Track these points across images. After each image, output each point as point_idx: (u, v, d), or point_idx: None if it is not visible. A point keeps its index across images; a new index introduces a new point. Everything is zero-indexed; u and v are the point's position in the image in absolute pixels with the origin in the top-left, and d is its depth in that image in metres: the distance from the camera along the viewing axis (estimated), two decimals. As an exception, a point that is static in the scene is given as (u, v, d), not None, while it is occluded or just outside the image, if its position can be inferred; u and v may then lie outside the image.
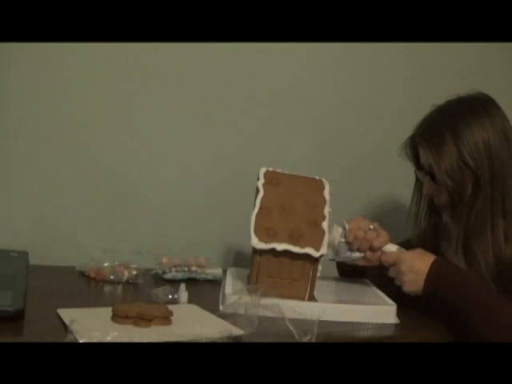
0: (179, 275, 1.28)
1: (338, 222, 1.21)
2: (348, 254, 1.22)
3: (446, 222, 1.20)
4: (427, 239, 1.26)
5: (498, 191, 1.15)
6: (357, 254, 1.21)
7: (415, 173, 1.27)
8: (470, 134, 1.15)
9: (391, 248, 1.19)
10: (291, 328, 0.93)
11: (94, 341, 0.80)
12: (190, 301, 1.10)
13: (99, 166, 1.36)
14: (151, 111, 1.40)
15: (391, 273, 1.16)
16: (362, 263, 1.24)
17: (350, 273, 1.32)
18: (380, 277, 1.22)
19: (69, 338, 0.81)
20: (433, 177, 1.18)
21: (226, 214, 1.47)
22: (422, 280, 1.11)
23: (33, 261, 1.21)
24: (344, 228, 1.20)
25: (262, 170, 1.19)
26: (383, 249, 1.19)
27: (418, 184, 1.29)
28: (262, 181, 1.17)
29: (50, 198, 1.32)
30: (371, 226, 1.19)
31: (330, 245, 1.19)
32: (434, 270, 1.10)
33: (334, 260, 1.28)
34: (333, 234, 1.20)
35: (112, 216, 1.38)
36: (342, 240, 1.21)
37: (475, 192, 1.14)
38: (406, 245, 1.24)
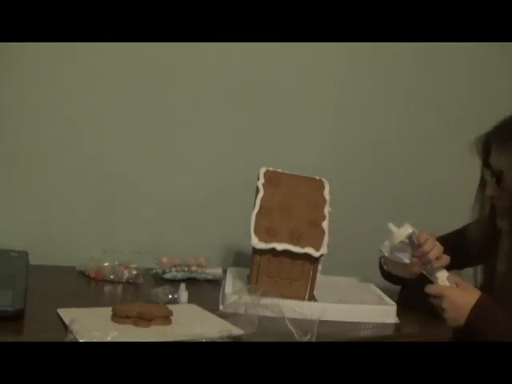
0: (179, 275, 1.29)
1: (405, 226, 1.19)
2: (401, 255, 1.18)
3: (502, 226, 1.20)
4: (486, 236, 1.25)
5: None
6: (407, 260, 1.18)
7: (481, 170, 1.25)
8: None
9: (442, 276, 1.16)
10: (291, 328, 0.93)
11: (94, 340, 0.80)
12: (190, 301, 1.10)
13: (99, 166, 1.36)
14: (151, 111, 1.40)
15: (432, 302, 1.14)
16: (402, 272, 1.23)
17: (392, 279, 1.32)
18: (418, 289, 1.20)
19: (69, 338, 0.81)
20: (498, 180, 1.17)
21: (226, 213, 1.47)
22: (463, 318, 1.09)
23: (33, 261, 1.21)
24: (413, 231, 1.17)
25: (262, 170, 1.20)
26: (436, 274, 1.17)
27: (483, 181, 1.26)
28: (261, 181, 1.17)
29: (50, 198, 1.32)
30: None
31: (391, 240, 1.18)
32: (474, 311, 1.09)
33: (382, 255, 1.25)
34: (400, 231, 1.17)
35: (112, 216, 1.38)
36: (406, 241, 1.17)
37: None
38: (459, 236, 1.28)
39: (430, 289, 1.14)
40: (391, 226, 1.18)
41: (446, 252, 1.19)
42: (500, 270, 1.23)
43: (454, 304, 1.10)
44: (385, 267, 1.31)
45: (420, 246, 1.17)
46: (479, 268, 1.30)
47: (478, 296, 1.11)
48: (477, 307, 1.09)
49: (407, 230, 1.17)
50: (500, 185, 1.17)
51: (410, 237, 1.17)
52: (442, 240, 1.25)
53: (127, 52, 1.34)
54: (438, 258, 1.17)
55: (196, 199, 1.46)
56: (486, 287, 1.22)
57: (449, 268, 1.20)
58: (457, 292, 1.12)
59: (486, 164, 1.23)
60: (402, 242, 1.17)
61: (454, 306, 1.10)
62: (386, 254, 1.21)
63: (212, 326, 0.93)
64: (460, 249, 1.26)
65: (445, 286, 1.14)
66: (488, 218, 1.25)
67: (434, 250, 1.17)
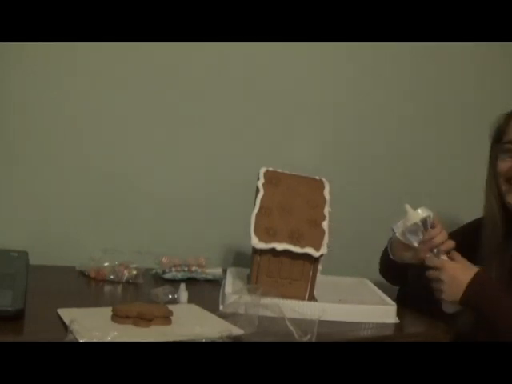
0: (179, 275, 1.29)
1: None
2: (412, 238, 1.17)
3: None
4: (497, 219, 1.26)
5: None
6: (416, 244, 1.17)
7: (493, 147, 1.27)
8: None
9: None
10: (291, 328, 0.93)
11: (94, 340, 0.80)
12: (190, 301, 1.10)
13: (99, 166, 1.36)
14: (151, 112, 1.40)
15: (431, 274, 1.16)
16: (407, 256, 1.23)
17: (393, 272, 1.33)
18: (420, 280, 1.21)
19: (69, 338, 0.81)
20: None
21: (226, 213, 1.47)
22: (460, 292, 1.11)
23: (33, 261, 1.21)
24: (429, 215, 1.16)
25: (262, 170, 1.20)
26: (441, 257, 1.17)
27: (493, 161, 1.28)
28: (261, 181, 1.17)
29: (50, 198, 1.32)
30: None
31: (404, 221, 1.17)
32: (472, 285, 1.11)
33: (392, 235, 1.24)
34: (415, 213, 1.16)
35: (112, 216, 1.38)
36: (419, 223, 1.16)
37: None
38: (476, 224, 1.29)
39: (430, 260, 1.15)
40: (407, 207, 1.17)
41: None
42: None
43: (453, 277, 1.12)
44: (389, 253, 1.30)
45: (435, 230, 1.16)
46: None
47: (477, 271, 1.11)
48: (473, 283, 1.10)
49: (423, 212, 1.16)
50: None
51: (424, 220, 1.15)
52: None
53: (127, 52, 1.34)
54: (443, 243, 1.17)
55: (196, 199, 1.46)
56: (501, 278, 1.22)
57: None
58: (457, 266, 1.14)
59: (500, 140, 1.24)
60: (415, 224, 1.16)
61: (453, 280, 1.11)
62: (397, 235, 1.20)
63: (212, 326, 0.93)
64: (467, 247, 1.25)
65: (446, 260, 1.15)
66: (498, 196, 1.25)
67: (441, 234, 1.17)
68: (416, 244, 1.17)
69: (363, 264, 1.46)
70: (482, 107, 1.48)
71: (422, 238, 1.16)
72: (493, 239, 1.22)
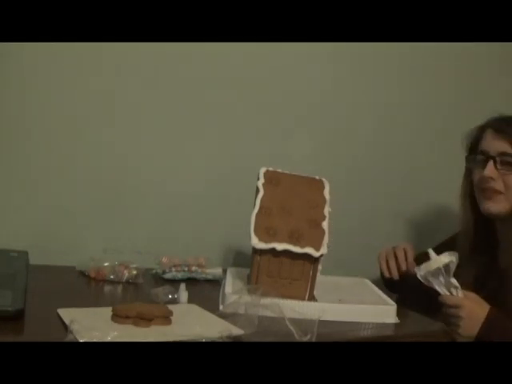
0: (179, 275, 1.29)
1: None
2: (434, 281, 1.17)
3: (498, 210, 1.26)
4: (469, 231, 1.32)
5: None
6: (437, 287, 1.17)
7: (468, 159, 1.33)
8: None
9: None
10: (291, 328, 0.93)
11: (94, 340, 0.80)
12: (190, 301, 1.10)
13: (99, 166, 1.36)
14: (151, 111, 1.40)
15: (450, 312, 1.16)
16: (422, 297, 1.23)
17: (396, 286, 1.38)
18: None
19: (69, 338, 0.81)
20: (495, 163, 1.26)
21: (226, 213, 1.47)
22: (477, 327, 1.14)
23: (33, 261, 1.21)
24: (451, 261, 1.16)
25: (262, 170, 1.20)
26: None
27: (468, 174, 1.34)
28: (261, 181, 1.17)
29: (50, 197, 1.32)
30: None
31: (427, 265, 1.16)
32: (488, 321, 1.14)
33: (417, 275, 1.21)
34: (438, 258, 1.16)
35: (112, 216, 1.38)
36: (442, 269, 1.16)
37: None
38: (451, 244, 1.32)
39: (447, 299, 1.16)
40: (431, 252, 1.18)
41: None
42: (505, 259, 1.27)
43: (471, 314, 1.14)
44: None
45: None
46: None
47: (489, 309, 1.15)
48: (489, 318, 1.14)
49: (446, 258, 1.16)
50: (497, 167, 1.25)
51: (446, 266, 1.16)
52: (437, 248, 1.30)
53: (128, 52, 1.34)
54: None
55: (196, 199, 1.46)
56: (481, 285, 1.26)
57: None
58: (473, 303, 1.16)
59: (473, 151, 1.32)
60: (437, 269, 1.16)
61: (471, 316, 1.14)
62: (419, 277, 1.19)
63: (212, 326, 0.93)
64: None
65: (463, 298, 1.16)
66: (471, 206, 1.32)
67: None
68: (437, 287, 1.17)
69: (363, 264, 1.46)
70: (481, 107, 1.48)
71: (443, 281, 1.17)
72: (462, 253, 1.22)
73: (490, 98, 1.49)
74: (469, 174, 1.34)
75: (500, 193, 1.25)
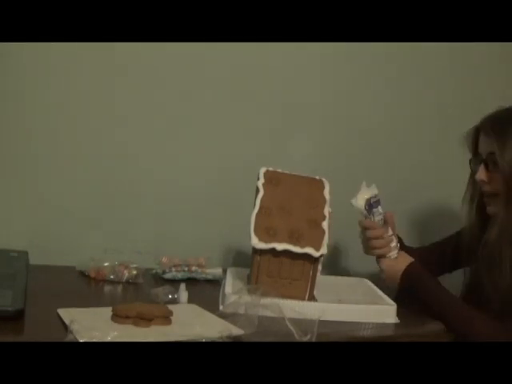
0: (179, 275, 1.28)
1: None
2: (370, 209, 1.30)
3: (496, 211, 1.24)
4: (475, 232, 1.32)
5: None
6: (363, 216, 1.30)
7: (470, 162, 1.33)
8: None
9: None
10: (291, 328, 0.93)
11: (94, 340, 0.80)
12: (190, 301, 1.10)
13: (99, 165, 1.36)
14: (151, 111, 1.40)
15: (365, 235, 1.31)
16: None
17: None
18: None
19: (69, 338, 0.81)
20: (487, 165, 1.25)
21: (226, 213, 1.47)
22: (397, 279, 1.26)
23: (33, 261, 1.21)
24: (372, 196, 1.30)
25: (262, 170, 1.20)
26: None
27: (473, 173, 1.34)
28: (261, 181, 1.17)
29: (50, 198, 1.32)
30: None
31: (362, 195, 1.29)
32: (405, 276, 1.25)
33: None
34: (370, 189, 1.30)
35: (112, 216, 1.38)
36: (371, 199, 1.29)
37: None
38: (455, 238, 1.38)
39: (367, 223, 1.30)
40: (363, 184, 1.31)
41: (437, 258, 1.40)
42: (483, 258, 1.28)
43: (390, 268, 1.28)
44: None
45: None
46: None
47: (408, 263, 1.25)
48: (407, 272, 1.25)
49: (374, 189, 1.30)
50: (489, 169, 1.25)
51: (375, 196, 1.29)
52: (434, 246, 1.45)
53: (128, 52, 1.34)
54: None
55: (196, 199, 1.46)
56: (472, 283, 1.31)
57: (439, 273, 1.38)
58: (390, 261, 1.28)
59: (475, 154, 1.32)
60: (369, 199, 1.30)
61: (390, 270, 1.28)
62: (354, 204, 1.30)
63: (212, 326, 0.93)
64: (450, 253, 1.37)
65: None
66: (477, 209, 1.33)
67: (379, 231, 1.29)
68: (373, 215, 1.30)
69: (363, 264, 1.46)
70: (480, 106, 1.48)
71: (376, 211, 1.31)
72: (465, 248, 1.29)
73: (489, 98, 1.49)
74: (473, 174, 1.33)
75: (496, 194, 1.24)
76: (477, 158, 1.29)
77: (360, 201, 1.29)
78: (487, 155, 1.25)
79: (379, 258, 1.30)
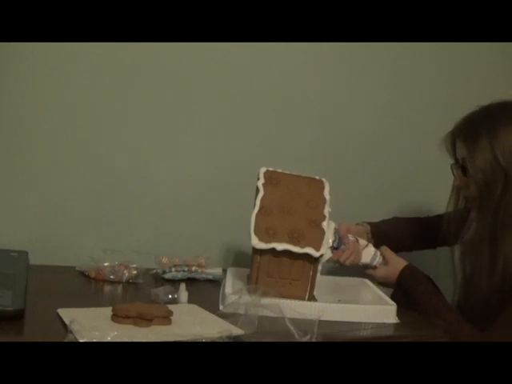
0: (179, 275, 1.28)
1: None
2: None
3: (473, 216, 1.25)
4: (457, 231, 1.32)
5: None
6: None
7: (451, 167, 1.31)
8: (505, 135, 1.19)
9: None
10: (291, 328, 0.93)
11: (94, 340, 0.80)
12: (190, 301, 1.10)
13: (99, 165, 1.36)
14: (151, 111, 1.40)
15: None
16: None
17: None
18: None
19: (69, 338, 0.81)
20: (464, 170, 1.23)
21: (226, 213, 1.47)
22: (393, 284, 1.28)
23: (33, 261, 1.21)
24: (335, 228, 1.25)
25: (262, 170, 1.20)
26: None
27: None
28: (262, 181, 1.17)
29: (50, 198, 1.32)
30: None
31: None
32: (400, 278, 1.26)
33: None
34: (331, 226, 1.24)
35: (112, 216, 1.38)
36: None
37: (505, 189, 1.18)
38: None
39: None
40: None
41: (421, 231, 1.44)
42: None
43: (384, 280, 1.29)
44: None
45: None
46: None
47: (402, 267, 1.26)
48: (401, 276, 1.25)
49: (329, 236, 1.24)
50: (465, 174, 1.23)
51: (331, 246, 1.24)
52: (421, 221, 1.46)
53: (127, 51, 1.34)
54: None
55: (196, 199, 1.46)
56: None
57: (425, 247, 1.45)
58: (383, 271, 1.28)
59: (455, 158, 1.29)
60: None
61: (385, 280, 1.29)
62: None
63: (212, 326, 0.93)
64: (436, 229, 1.36)
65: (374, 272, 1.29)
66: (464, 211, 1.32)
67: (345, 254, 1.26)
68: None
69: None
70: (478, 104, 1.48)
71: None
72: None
73: (489, 98, 1.49)
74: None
75: (475, 198, 1.22)
76: (457, 163, 1.27)
77: (327, 255, 1.24)
78: (462, 160, 1.23)
79: (366, 270, 1.31)
